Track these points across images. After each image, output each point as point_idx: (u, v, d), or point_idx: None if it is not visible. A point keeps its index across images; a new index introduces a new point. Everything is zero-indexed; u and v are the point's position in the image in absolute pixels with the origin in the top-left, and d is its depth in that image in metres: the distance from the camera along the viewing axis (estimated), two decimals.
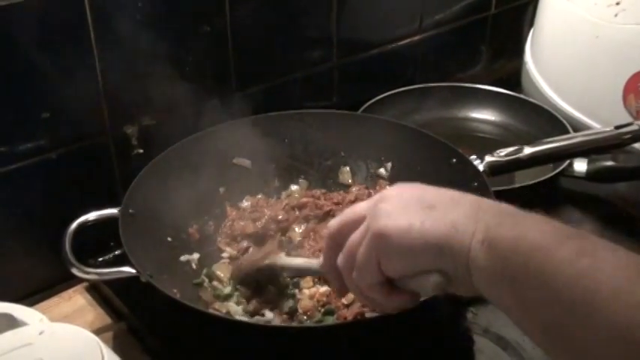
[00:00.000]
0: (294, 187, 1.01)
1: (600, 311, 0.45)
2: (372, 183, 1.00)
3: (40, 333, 0.60)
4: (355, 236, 0.59)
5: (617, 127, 0.92)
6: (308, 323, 0.79)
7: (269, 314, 0.80)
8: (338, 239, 0.62)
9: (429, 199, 0.56)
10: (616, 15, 1.08)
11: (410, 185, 0.60)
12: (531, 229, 0.51)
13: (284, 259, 0.80)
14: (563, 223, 0.52)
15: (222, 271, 0.88)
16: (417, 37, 1.25)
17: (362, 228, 0.59)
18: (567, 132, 1.09)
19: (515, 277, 0.50)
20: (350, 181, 1.01)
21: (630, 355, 0.44)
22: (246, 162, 1.00)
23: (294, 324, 0.79)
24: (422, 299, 0.63)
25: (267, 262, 0.80)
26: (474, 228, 0.52)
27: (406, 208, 0.56)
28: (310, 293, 0.83)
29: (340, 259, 0.61)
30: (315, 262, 0.74)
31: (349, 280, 0.61)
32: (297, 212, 0.95)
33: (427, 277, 0.56)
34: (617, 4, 1.08)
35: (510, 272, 0.50)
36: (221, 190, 0.97)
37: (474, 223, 0.53)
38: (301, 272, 0.80)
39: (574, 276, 0.47)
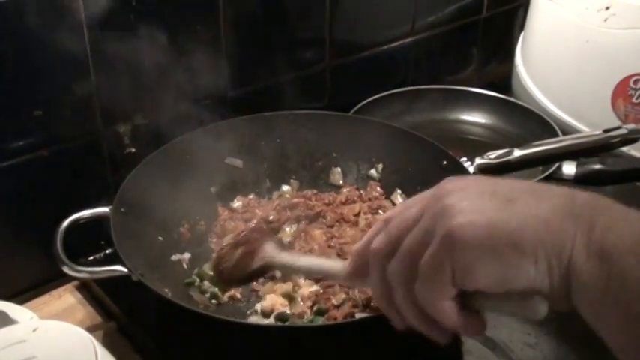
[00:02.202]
0: (285, 188, 1.01)
1: None
2: (363, 184, 1.01)
3: (34, 330, 0.60)
4: (414, 239, 0.48)
5: (605, 131, 0.93)
6: (299, 323, 0.79)
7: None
8: (388, 252, 0.50)
9: (504, 192, 0.46)
10: (606, 20, 1.09)
11: (473, 177, 0.50)
12: None
13: (283, 258, 0.69)
14: None
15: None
16: (409, 40, 1.26)
17: (421, 228, 0.48)
18: (556, 135, 1.10)
19: (637, 298, 0.39)
20: (341, 182, 1.02)
21: None
22: (237, 162, 1.00)
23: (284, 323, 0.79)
24: None
25: (258, 264, 0.70)
26: (573, 229, 0.42)
27: (480, 204, 0.45)
28: (303, 293, 0.83)
29: (394, 267, 0.49)
30: (332, 264, 0.64)
31: (404, 294, 0.49)
32: (288, 213, 0.95)
33: (526, 299, 0.45)
34: (607, 8, 1.09)
35: (631, 293, 0.39)
36: (212, 189, 0.97)
37: (573, 223, 0.42)
38: (317, 275, 0.72)
39: None
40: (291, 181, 1.02)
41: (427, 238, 0.47)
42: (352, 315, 0.78)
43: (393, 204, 0.97)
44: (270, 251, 0.69)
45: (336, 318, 0.78)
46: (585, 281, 0.41)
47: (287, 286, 0.83)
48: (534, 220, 0.43)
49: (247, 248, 0.71)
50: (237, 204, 0.98)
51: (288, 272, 0.78)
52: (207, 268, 0.87)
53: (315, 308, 0.81)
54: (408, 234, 0.48)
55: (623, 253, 0.39)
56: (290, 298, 0.82)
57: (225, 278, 0.73)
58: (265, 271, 0.72)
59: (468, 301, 0.48)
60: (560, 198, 0.44)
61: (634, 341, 0.40)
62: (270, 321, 0.79)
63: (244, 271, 0.71)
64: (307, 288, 0.83)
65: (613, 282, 0.40)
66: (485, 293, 0.46)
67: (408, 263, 0.48)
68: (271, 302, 0.81)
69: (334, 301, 0.81)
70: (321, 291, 0.82)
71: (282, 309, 0.80)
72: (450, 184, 0.48)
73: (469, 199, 0.46)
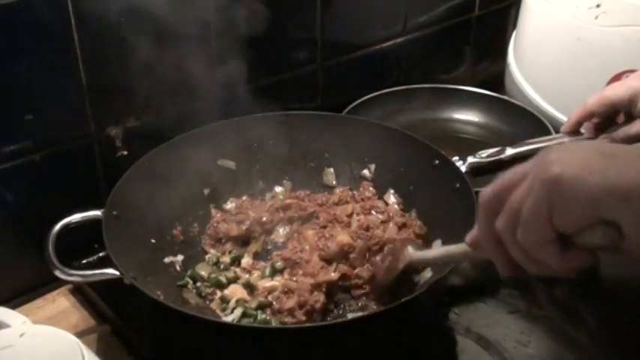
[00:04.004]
0: (278, 189, 1.01)
1: None
2: (356, 184, 1.01)
3: (21, 335, 0.60)
4: (519, 192, 0.52)
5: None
6: (273, 323, 0.79)
7: None
8: (495, 205, 0.54)
9: (606, 148, 0.51)
10: (597, 17, 1.10)
11: (577, 142, 0.56)
12: None
13: (418, 254, 0.77)
14: None
15: (206, 271, 0.88)
16: (401, 39, 1.26)
17: (525, 184, 0.52)
18: (549, 133, 1.10)
19: None
20: (334, 182, 1.02)
21: None
22: (230, 163, 1.00)
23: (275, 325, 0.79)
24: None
25: (402, 265, 0.77)
26: None
27: (582, 155, 0.50)
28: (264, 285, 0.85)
29: (500, 221, 0.53)
30: (455, 248, 0.69)
31: (512, 244, 0.53)
32: (282, 213, 0.95)
33: (595, 228, 0.50)
34: (598, 6, 1.09)
35: None
36: (205, 191, 0.97)
37: None
38: (445, 261, 0.75)
39: None
40: (284, 181, 1.02)
41: (531, 189, 0.51)
42: (292, 312, 0.79)
43: (386, 204, 0.97)
44: (407, 255, 0.77)
45: (281, 312, 0.79)
46: None
47: (249, 277, 0.87)
48: (632, 170, 0.47)
49: (392, 260, 0.80)
50: (230, 205, 0.98)
51: (427, 266, 0.81)
52: (200, 269, 0.88)
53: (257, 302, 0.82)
54: (514, 190, 0.53)
55: None
56: (251, 288, 0.84)
57: (380, 286, 0.82)
58: (409, 271, 0.79)
59: (568, 239, 0.52)
60: None
61: None
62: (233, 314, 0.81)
63: (392, 275, 0.79)
64: (267, 281, 0.85)
65: None
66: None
67: (513, 213, 0.52)
68: (233, 291, 0.83)
69: (285, 299, 0.81)
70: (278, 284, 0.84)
71: (241, 296, 0.83)
72: (552, 149, 0.53)
73: (571, 152, 0.51)
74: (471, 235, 0.60)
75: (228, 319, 0.80)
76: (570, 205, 0.49)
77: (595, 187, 0.48)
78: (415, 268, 0.80)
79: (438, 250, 0.79)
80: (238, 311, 0.81)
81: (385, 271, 0.80)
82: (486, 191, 0.56)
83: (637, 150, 0.51)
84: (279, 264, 0.87)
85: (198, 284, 0.86)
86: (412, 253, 0.77)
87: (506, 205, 0.53)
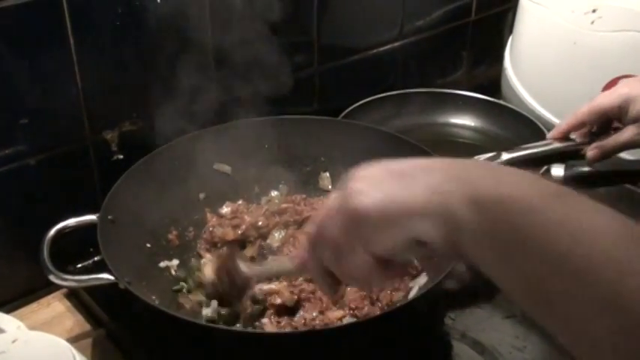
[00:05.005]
0: (274, 193, 1.01)
1: (585, 277, 0.43)
2: None
3: (14, 341, 0.60)
4: (332, 227, 0.55)
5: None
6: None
7: None
8: (318, 240, 0.58)
9: (399, 169, 0.53)
10: (593, 22, 1.10)
11: (376, 163, 0.56)
12: (519, 186, 0.49)
13: (249, 269, 0.74)
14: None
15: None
16: (397, 44, 1.26)
17: (336, 218, 0.55)
18: (545, 137, 1.10)
19: (503, 237, 0.48)
20: (330, 186, 1.02)
21: (615, 323, 0.42)
22: (226, 168, 1.00)
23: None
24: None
25: (236, 276, 0.74)
26: (455, 188, 0.50)
27: (378, 183, 0.53)
28: None
29: (325, 255, 0.57)
30: (284, 262, 0.71)
31: (341, 274, 0.57)
32: (277, 218, 0.95)
33: (406, 247, 0.53)
34: (594, 11, 1.10)
35: (498, 232, 0.48)
36: (201, 196, 0.97)
37: (456, 184, 0.50)
38: (273, 275, 0.78)
39: (562, 237, 0.45)
40: (280, 186, 1.02)
41: (340, 225, 0.54)
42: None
43: None
44: (240, 268, 0.74)
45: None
46: (465, 226, 0.48)
47: None
48: (423, 188, 0.51)
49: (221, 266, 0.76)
50: (225, 210, 0.97)
51: (260, 280, 0.80)
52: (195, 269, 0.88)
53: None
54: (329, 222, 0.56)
55: (491, 200, 0.48)
56: None
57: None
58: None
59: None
60: (448, 166, 0.52)
61: (508, 269, 0.48)
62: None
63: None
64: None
65: (486, 223, 0.48)
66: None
67: (334, 247, 0.56)
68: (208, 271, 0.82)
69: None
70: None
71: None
72: (355, 172, 0.56)
73: (369, 181, 0.53)
74: (298, 259, 0.63)
75: (207, 311, 0.81)
76: (377, 234, 0.52)
77: (394, 214, 0.51)
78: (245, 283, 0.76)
79: (266, 264, 0.78)
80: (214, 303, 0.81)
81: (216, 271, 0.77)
82: (311, 228, 0.59)
83: (427, 166, 0.53)
84: None
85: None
86: (244, 267, 0.74)
87: (326, 240, 0.56)
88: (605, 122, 0.92)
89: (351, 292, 0.81)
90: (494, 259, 0.49)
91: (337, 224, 0.55)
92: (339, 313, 0.79)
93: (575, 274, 0.44)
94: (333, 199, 0.57)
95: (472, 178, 0.50)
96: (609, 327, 0.43)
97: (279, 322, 0.80)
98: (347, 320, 0.78)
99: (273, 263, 0.78)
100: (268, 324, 0.80)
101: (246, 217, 0.95)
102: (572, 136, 0.95)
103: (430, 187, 0.50)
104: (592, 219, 0.46)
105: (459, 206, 0.49)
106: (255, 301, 0.82)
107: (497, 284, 0.50)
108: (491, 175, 0.51)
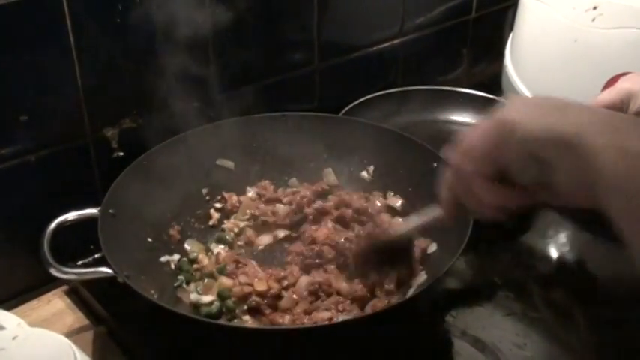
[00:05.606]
0: (280, 190, 1.01)
1: None
2: (355, 186, 1.00)
3: (14, 338, 0.60)
4: (477, 130, 0.59)
5: None
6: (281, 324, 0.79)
7: None
8: (470, 152, 0.61)
9: (556, 102, 0.56)
10: (593, 19, 1.10)
11: (534, 95, 0.61)
12: None
13: (400, 227, 0.83)
14: None
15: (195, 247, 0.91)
16: (398, 41, 1.26)
17: (484, 124, 0.59)
18: None
19: None
20: (336, 182, 1.01)
21: None
22: (229, 164, 1.00)
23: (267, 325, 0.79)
24: None
25: (394, 234, 0.82)
26: (608, 132, 0.51)
27: (534, 107, 0.56)
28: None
29: (458, 150, 0.62)
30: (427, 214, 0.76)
31: (470, 171, 0.61)
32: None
33: (531, 166, 0.56)
34: (595, 8, 1.09)
35: (637, 178, 0.49)
36: (204, 191, 0.97)
37: (608, 129, 0.52)
38: (426, 226, 0.80)
39: None
40: (290, 181, 1.02)
41: (484, 129, 0.58)
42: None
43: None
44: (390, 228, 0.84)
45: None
46: (607, 172, 0.50)
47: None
48: (576, 122, 0.53)
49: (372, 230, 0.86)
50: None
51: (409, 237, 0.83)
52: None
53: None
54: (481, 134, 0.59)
55: (634, 149, 0.49)
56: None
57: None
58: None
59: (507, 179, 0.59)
60: (604, 113, 0.56)
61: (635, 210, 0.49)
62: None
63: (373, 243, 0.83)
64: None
65: (630, 172, 0.49)
66: None
67: (468, 147, 0.60)
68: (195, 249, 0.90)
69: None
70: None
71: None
72: (511, 99, 0.60)
73: (526, 103, 0.58)
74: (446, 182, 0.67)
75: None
76: (516, 144, 0.55)
77: (539, 131, 0.54)
78: (399, 243, 0.82)
79: (417, 217, 0.80)
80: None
81: (366, 237, 0.84)
82: (461, 144, 0.62)
83: (583, 106, 0.56)
84: None
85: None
86: (395, 226, 0.81)
87: (475, 149, 0.60)
88: None
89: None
90: (629, 211, 0.50)
91: (482, 127, 0.58)
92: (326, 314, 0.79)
93: None
94: (486, 120, 0.59)
95: (622, 128, 0.52)
96: None
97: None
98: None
99: (415, 217, 0.81)
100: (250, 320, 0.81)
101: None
102: None
103: (578, 124, 0.52)
104: None
105: (606, 150, 0.50)
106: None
107: (621, 236, 0.50)
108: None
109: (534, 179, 0.57)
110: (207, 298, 0.83)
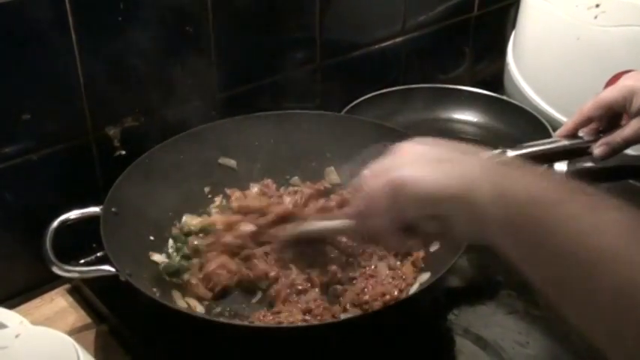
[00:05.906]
0: (283, 188, 1.01)
1: (603, 271, 0.47)
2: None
3: (17, 336, 0.60)
4: (376, 188, 0.62)
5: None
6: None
7: None
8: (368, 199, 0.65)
9: (443, 152, 0.61)
10: (596, 17, 1.10)
11: (423, 139, 0.64)
12: (540, 183, 0.54)
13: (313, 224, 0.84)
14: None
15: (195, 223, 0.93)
16: (400, 39, 1.26)
17: (380, 182, 0.62)
18: (548, 133, 1.10)
19: (524, 229, 0.52)
20: (338, 180, 1.01)
21: (632, 315, 0.45)
22: (231, 162, 1.00)
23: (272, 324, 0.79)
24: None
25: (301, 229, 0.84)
26: (486, 178, 0.55)
27: (423, 161, 0.60)
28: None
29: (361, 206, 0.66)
30: (335, 223, 0.80)
31: (373, 225, 0.64)
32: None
33: (430, 220, 0.60)
34: (597, 6, 1.09)
35: (519, 225, 0.53)
36: (206, 189, 0.97)
37: (487, 174, 0.56)
38: (329, 233, 0.84)
39: (578, 233, 0.49)
40: (292, 179, 1.02)
41: (382, 189, 0.61)
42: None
43: None
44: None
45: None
46: (491, 217, 0.54)
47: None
48: (456, 175, 0.57)
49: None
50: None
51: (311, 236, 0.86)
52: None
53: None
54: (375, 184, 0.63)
55: (515, 194, 0.53)
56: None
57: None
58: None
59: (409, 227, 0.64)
60: (481, 158, 0.60)
61: (529, 260, 0.53)
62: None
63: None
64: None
65: (509, 215, 0.53)
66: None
67: (372, 203, 0.63)
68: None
69: None
70: None
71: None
72: (403, 146, 0.64)
73: (412, 158, 0.61)
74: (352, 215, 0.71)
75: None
76: (410, 202, 0.59)
77: (432, 189, 0.58)
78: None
79: (325, 222, 0.83)
80: None
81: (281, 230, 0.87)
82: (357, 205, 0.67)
83: (464, 154, 0.60)
84: None
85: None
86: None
87: (369, 196, 0.64)
88: (612, 117, 0.92)
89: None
90: (517, 251, 0.54)
91: (379, 186, 0.62)
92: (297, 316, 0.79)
93: (590, 269, 0.48)
94: (379, 165, 0.64)
95: (500, 171, 0.56)
96: (624, 317, 0.46)
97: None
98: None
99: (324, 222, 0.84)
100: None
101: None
102: (580, 133, 0.95)
103: (464, 177, 0.57)
104: (609, 216, 0.50)
105: (488, 199, 0.54)
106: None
107: (519, 270, 0.54)
108: (520, 173, 0.56)
109: (437, 230, 0.61)
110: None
